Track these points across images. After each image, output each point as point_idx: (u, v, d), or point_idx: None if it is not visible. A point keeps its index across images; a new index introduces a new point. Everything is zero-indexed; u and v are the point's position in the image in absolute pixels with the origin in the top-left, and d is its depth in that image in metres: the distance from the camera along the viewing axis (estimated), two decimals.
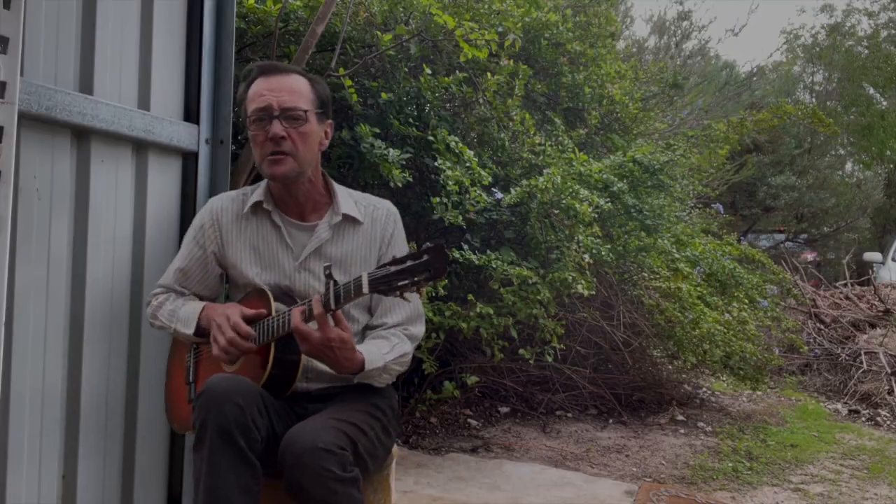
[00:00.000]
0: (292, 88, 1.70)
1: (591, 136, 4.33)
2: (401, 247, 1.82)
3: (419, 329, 1.80)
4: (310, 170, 1.74)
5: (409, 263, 1.40)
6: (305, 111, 1.70)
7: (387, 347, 1.69)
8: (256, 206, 1.77)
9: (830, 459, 3.59)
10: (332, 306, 1.50)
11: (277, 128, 1.65)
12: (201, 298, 1.82)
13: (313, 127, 1.72)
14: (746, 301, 4.45)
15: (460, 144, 3.27)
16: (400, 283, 1.40)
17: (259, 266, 1.76)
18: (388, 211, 1.82)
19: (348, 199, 1.79)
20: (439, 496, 2.79)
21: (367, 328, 1.80)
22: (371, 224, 1.79)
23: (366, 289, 1.42)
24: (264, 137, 1.67)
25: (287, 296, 1.73)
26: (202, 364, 1.76)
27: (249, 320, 1.63)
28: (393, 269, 1.40)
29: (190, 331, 1.69)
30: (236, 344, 1.59)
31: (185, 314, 1.72)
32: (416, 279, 1.38)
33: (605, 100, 4.28)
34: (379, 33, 3.29)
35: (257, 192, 1.78)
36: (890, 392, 4.80)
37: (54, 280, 1.72)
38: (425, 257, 1.38)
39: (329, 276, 1.51)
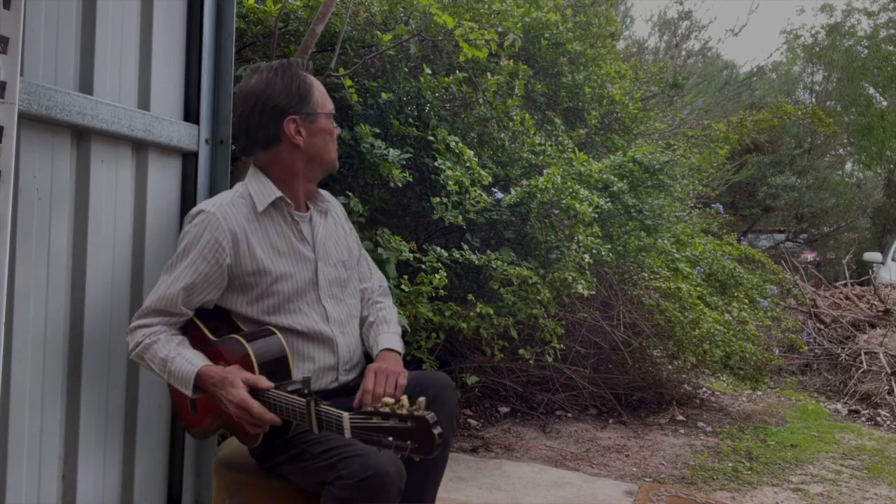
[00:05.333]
0: None
1: (591, 136, 4.33)
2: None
3: (384, 281, 2.05)
4: None
5: (391, 423, 1.30)
6: None
7: (395, 327, 1.91)
8: (272, 204, 1.73)
9: (830, 459, 3.59)
10: (316, 430, 1.44)
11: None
12: (199, 310, 1.73)
13: None
14: (746, 301, 4.45)
15: (460, 144, 3.27)
16: (386, 441, 1.32)
17: (282, 263, 1.72)
18: (334, 199, 1.99)
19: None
20: (439, 496, 2.79)
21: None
22: (335, 209, 1.94)
23: (347, 434, 1.36)
24: (335, 134, 1.83)
25: (260, 335, 1.68)
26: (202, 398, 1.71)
27: (253, 390, 1.55)
28: (376, 422, 1.32)
29: (189, 392, 1.60)
30: (266, 427, 1.56)
31: (178, 372, 1.60)
32: (404, 444, 1.30)
33: (605, 100, 4.28)
34: (379, 33, 3.29)
35: (270, 189, 1.73)
36: (890, 392, 4.80)
37: (54, 280, 1.72)
38: (410, 424, 1.29)
39: (309, 395, 1.45)
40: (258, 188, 1.73)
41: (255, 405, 1.49)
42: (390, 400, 1.31)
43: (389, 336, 1.84)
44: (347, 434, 1.36)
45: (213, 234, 1.66)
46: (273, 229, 1.73)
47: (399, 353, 1.80)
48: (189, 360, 1.59)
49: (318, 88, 1.80)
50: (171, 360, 1.60)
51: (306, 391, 1.45)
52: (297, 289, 1.72)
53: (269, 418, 1.50)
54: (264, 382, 1.53)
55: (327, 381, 1.73)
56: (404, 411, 1.29)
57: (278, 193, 1.73)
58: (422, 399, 1.30)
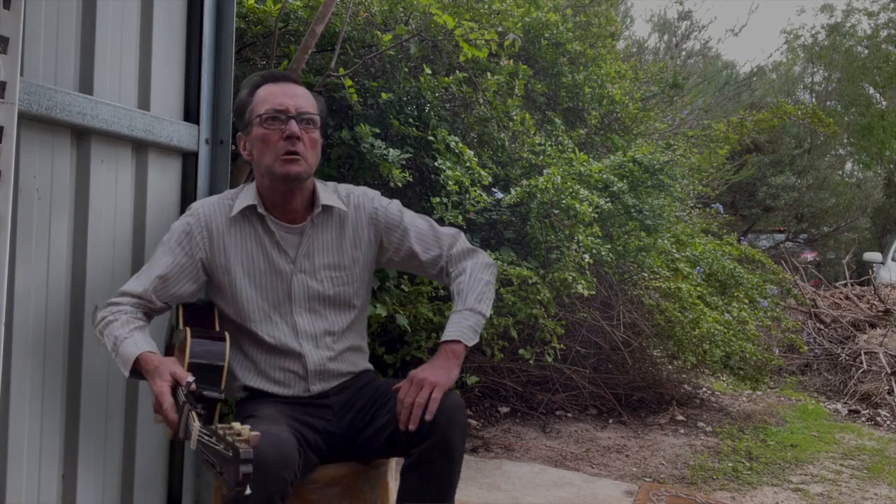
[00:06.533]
0: (306, 95, 1.74)
1: (591, 136, 4.33)
2: (394, 212, 1.82)
3: (460, 242, 1.83)
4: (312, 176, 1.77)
5: (220, 448, 1.22)
6: (318, 117, 1.74)
7: (470, 300, 1.74)
8: (247, 211, 1.73)
9: (830, 459, 3.59)
10: (181, 435, 1.41)
11: (295, 128, 1.66)
12: (179, 302, 1.76)
13: (319, 136, 1.75)
14: (746, 301, 4.45)
15: (460, 144, 3.27)
16: (210, 462, 1.25)
17: (255, 272, 1.72)
18: (363, 193, 1.83)
19: (330, 194, 1.78)
20: None
21: (422, 265, 1.83)
22: (355, 211, 1.80)
23: (193, 445, 1.32)
24: (279, 136, 1.66)
25: (208, 335, 1.67)
26: None
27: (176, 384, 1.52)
28: (212, 443, 1.24)
29: (126, 373, 1.58)
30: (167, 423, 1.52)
31: (123, 353, 1.57)
32: (221, 473, 1.21)
33: (605, 100, 4.28)
34: (379, 33, 3.29)
35: (247, 196, 1.73)
36: (890, 392, 4.80)
37: (54, 279, 1.72)
38: (230, 453, 1.19)
39: (189, 398, 1.39)
40: (244, 194, 1.74)
41: (167, 402, 1.45)
42: (238, 426, 1.24)
43: (455, 321, 1.72)
44: (192, 446, 1.32)
45: (187, 226, 1.71)
46: (250, 236, 1.73)
47: (462, 343, 1.69)
48: (136, 343, 1.57)
49: (261, 94, 1.71)
50: (121, 341, 1.58)
51: (189, 392, 1.40)
52: (268, 299, 1.72)
53: (171, 419, 1.44)
54: (185, 378, 1.48)
55: (299, 390, 1.74)
56: (230, 439, 1.21)
57: (251, 202, 1.71)
58: (255, 433, 1.22)
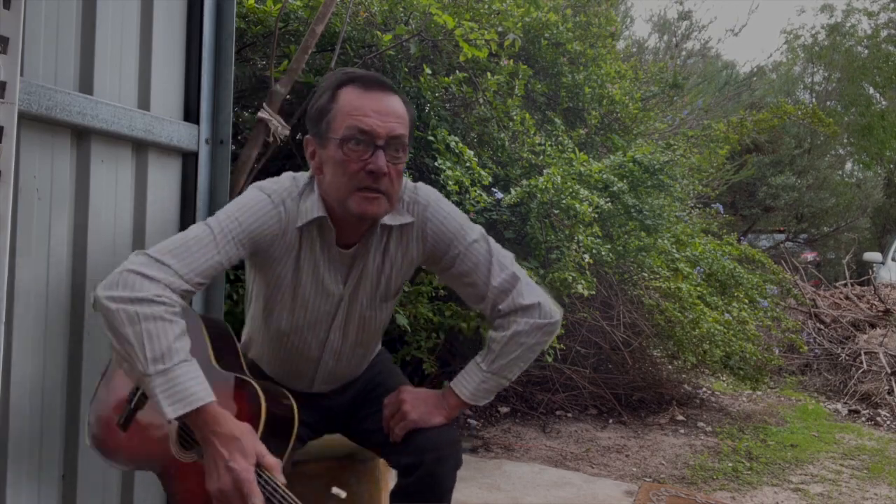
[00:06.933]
0: (399, 113, 1.45)
1: (591, 136, 4.33)
2: (446, 234, 1.57)
3: (514, 294, 1.58)
4: None
5: None
6: (408, 143, 1.47)
7: (495, 360, 1.59)
8: (315, 222, 1.49)
9: (830, 459, 3.59)
10: None
11: (382, 161, 1.39)
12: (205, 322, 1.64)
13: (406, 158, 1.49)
14: (746, 301, 4.46)
15: (460, 144, 3.27)
16: None
17: (301, 288, 1.56)
18: (415, 201, 1.57)
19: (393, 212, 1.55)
20: None
21: (463, 296, 1.66)
22: (419, 218, 1.56)
23: None
24: (360, 167, 1.40)
25: (276, 396, 1.49)
26: (141, 415, 1.52)
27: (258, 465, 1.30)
28: None
29: (170, 413, 1.25)
30: None
31: (184, 386, 1.25)
32: None
33: (605, 100, 4.28)
34: (379, 33, 3.29)
35: (313, 205, 1.48)
36: (890, 392, 4.80)
37: (54, 280, 1.72)
38: None
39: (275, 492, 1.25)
40: (309, 202, 1.49)
41: (258, 496, 1.24)
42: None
43: (476, 378, 1.60)
44: None
45: (270, 228, 1.47)
46: (307, 250, 1.52)
47: (465, 402, 1.59)
48: (199, 381, 1.27)
49: (344, 102, 1.43)
50: (179, 362, 1.26)
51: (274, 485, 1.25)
52: (307, 317, 1.59)
53: None
54: (277, 471, 1.29)
55: (302, 386, 1.71)
56: None
57: (320, 213, 1.47)
58: None
